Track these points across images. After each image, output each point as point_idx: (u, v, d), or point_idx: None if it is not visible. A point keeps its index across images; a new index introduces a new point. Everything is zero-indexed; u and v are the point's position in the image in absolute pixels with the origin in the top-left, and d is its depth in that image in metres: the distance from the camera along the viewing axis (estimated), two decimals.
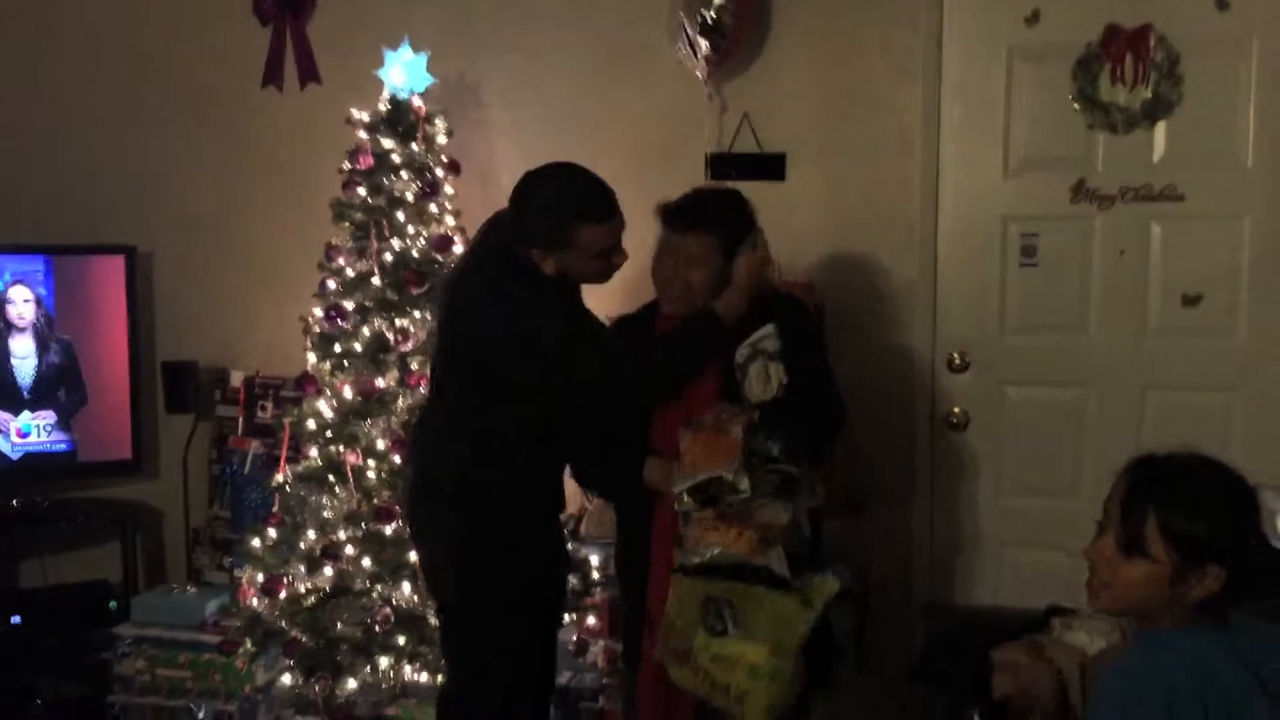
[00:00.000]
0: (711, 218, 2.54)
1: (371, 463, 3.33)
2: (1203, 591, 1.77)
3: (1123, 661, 1.81)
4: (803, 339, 2.53)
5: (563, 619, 2.99)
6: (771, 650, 2.33)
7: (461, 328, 2.65)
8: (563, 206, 2.51)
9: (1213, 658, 1.76)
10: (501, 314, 2.55)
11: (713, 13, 3.54)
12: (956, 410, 3.67)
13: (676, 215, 2.51)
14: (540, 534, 2.74)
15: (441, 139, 3.57)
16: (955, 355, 3.65)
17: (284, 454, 3.53)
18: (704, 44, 3.55)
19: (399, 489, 3.31)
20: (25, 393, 3.96)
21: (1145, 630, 1.86)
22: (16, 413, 3.95)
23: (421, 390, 3.35)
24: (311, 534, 3.37)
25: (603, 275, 2.59)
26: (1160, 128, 3.45)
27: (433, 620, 3.26)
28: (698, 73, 3.62)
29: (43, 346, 3.98)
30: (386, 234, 3.43)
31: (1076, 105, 3.48)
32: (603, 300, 2.82)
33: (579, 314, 2.57)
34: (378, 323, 3.40)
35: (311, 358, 3.45)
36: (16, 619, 3.88)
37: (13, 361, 3.94)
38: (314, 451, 3.40)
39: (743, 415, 2.40)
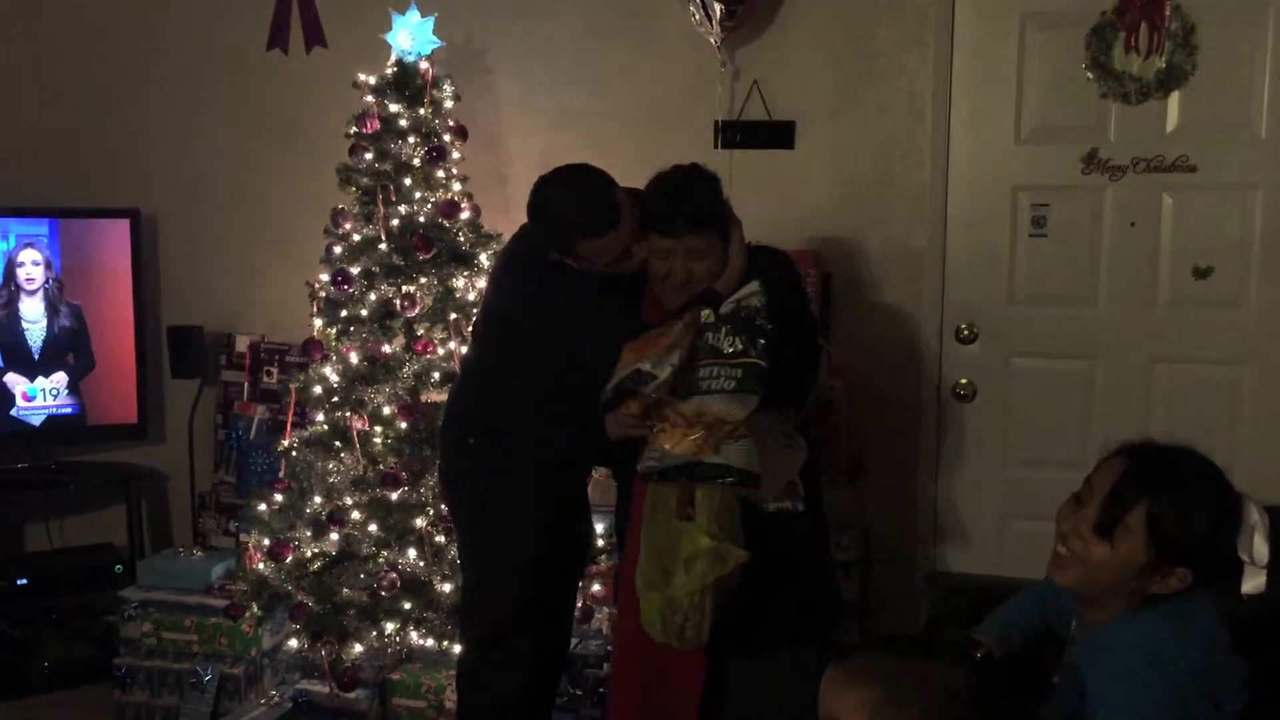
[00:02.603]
0: (706, 213, 2.51)
1: (378, 428, 3.35)
2: (1164, 589, 1.77)
3: (1134, 662, 1.76)
4: (784, 285, 2.54)
5: (579, 581, 3.03)
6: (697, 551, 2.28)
7: (488, 289, 2.80)
8: (563, 222, 2.53)
9: (1174, 640, 1.76)
10: (514, 285, 2.64)
11: None
12: (964, 381, 3.68)
13: (673, 222, 2.47)
14: (560, 492, 2.79)
15: (448, 103, 3.56)
16: (963, 326, 3.66)
17: (290, 419, 3.56)
18: (719, 8, 3.53)
19: (405, 454, 3.34)
20: (36, 355, 3.98)
21: (1096, 619, 1.84)
22: (32, 377, 3.98)
23: (428, 356, 3.39)
24: (318, 499, 3.40)
25: (625, 272, 2.59)
26: (1174, 98, 3.44)
27: (438, 585, 3.31)
28: (710, 38, 3.61)
29: (52, 310, 4.00)
30: (393, 199, 3.43)
31: (1089, 74, 3.47)
32: None
33: (585, 298, 2.58)
34: (384, 288, 3.41)
35: (317, 323, 3.46)
36: (23, 581, 3.92)
37: (23, 325, 3.97)
38: (320, 417, 3.42)
39: (688, 314, 2.39)
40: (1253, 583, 1.76)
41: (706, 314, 2.40)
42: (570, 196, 2.52)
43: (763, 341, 2.35)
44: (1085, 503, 1.83)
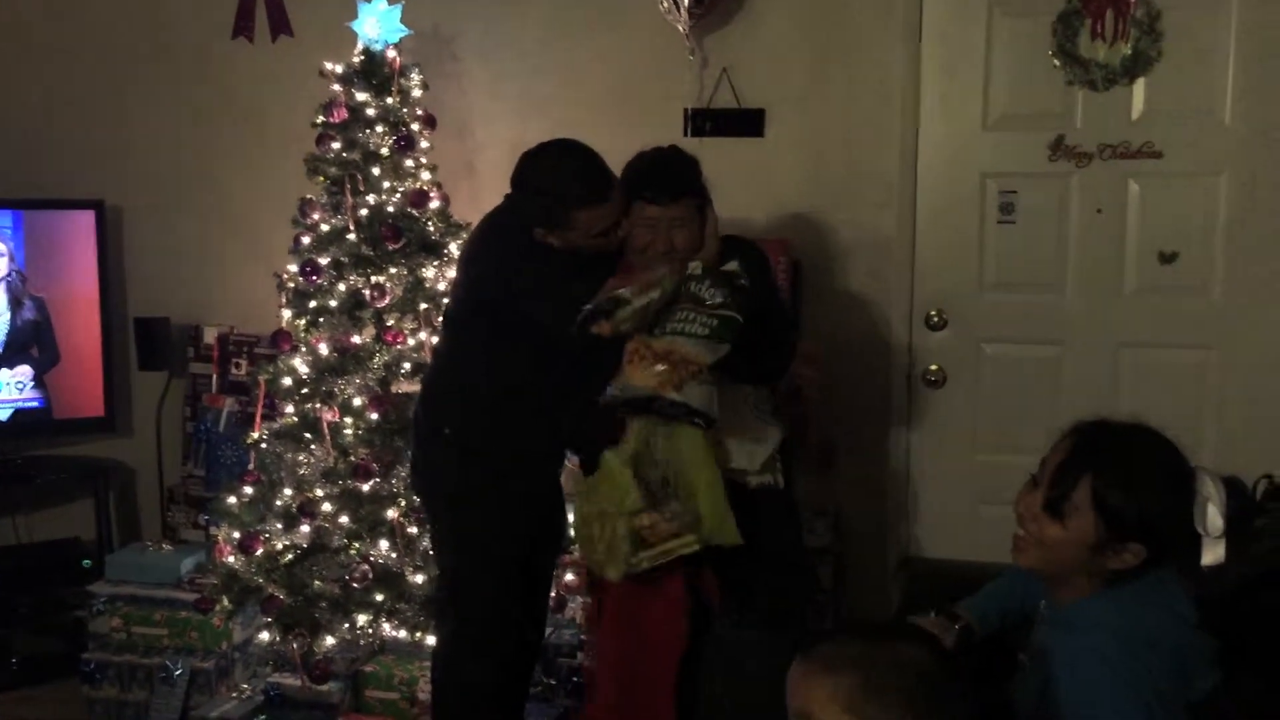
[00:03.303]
0: (691, 184, 2.57)
1: (348, 420, 3.34)
2: (1119, 564, 1.78)
3: (1070, 653, 1.78)
4: (757, 275, 2.59)
5: (553, 570, 3.03)
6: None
7: (458, 270, 2.79)
8: (558, 191, 2.54)
9: (1141, 618, 1.77)
10: (491, 269, 2.63)
11: None
12: (934, 367, 3.70)
13: (661, 189, 2.53)
14: (534, 481, 2.79)
15: (417, 92, 3.55)
16: (933, 313, 3.67)
17: (259, 411, 3.54)
18: None
19: (375, 446, 3.33)
20: (0, 349, 3.94)
21: (1062, 599, 1.85)
22: None
23: (398, 347, 3.38)
24: (288, 491, 3.38)
25: (605, 249, 2.61)
26: (1139, 84, 3.46)
27: (410, 577, 3.30)
28: (679, 25, 3.60)
29: (16, 303, 3.95)
30: (361, 189, 3.42)
31: (1056, 61, 3.49)
32: None
33: (563, 278, 2.58)
34: (353, 279, 3.40)
35: (286, 314, 3.44)
36: None
37: None
38: (290, 408, 3.40)
39: (677, 265, 2.45)
40: (1211, 554, 1.77)
41: (695, 265, 2.46)
42: (565, 166, 2.55)
43: (741, 300, 2.40)
44: (1040, 485, 1.85)
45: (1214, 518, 1.76)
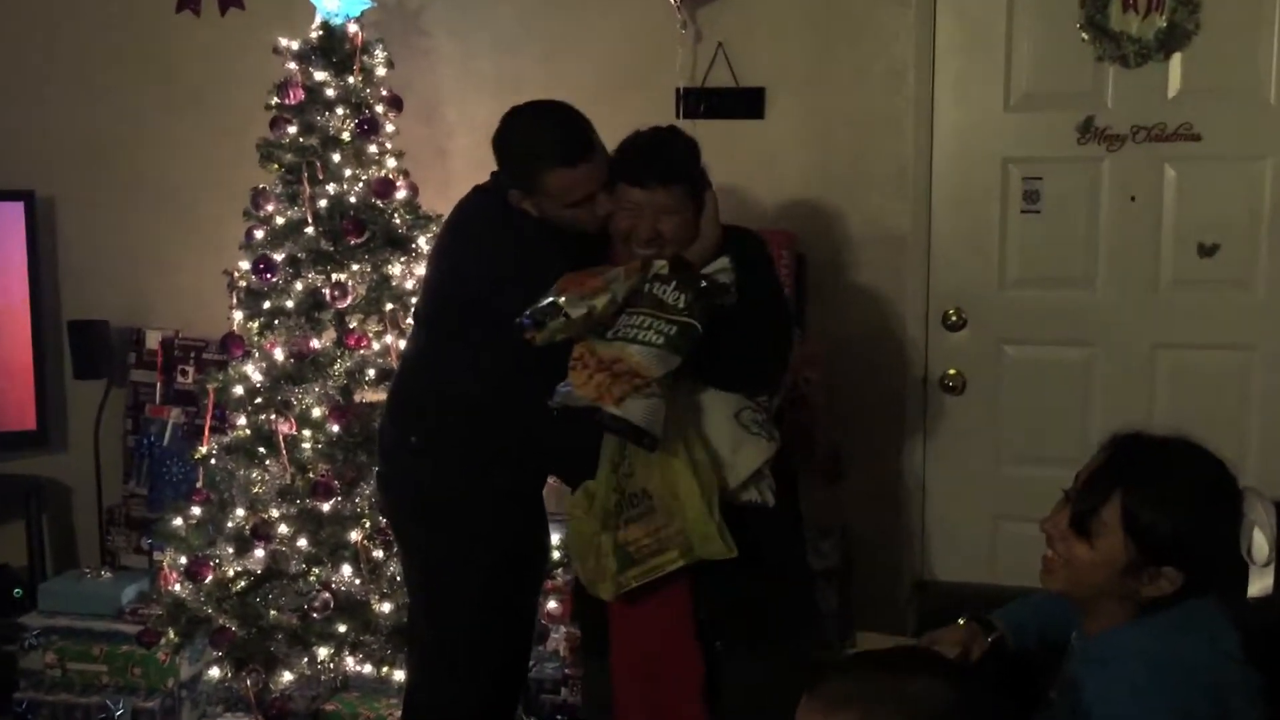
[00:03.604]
0: (681, 169, 2.58)
1: (306, 433, 3.35)
2: (1154, 591, 1.78)
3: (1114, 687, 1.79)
4: (756, 267, 2.61)
5: (537, 596, 3.04)
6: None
7: (432, 259, 2.79)
8: (528, 148, 2.57)
9: (1177, 649, 1.77)
10: (470, 249, 2.65)
11: None
12: (952, 371, 3.72)
13: (646, 172, 2.54)
14: (514, 494, 2.79)
15: (381, 70, 3.56)
16: (951, 311, 3.70)
17: (208, 423, 3.55)
18: None
19: (337, 461, 3.35)
20: None
21: (1094, 628, 1.86)
22: None
23: (362, 352, 3.40)
24: (240, 512, 3.39)
25: (585, 224, 2.62)
26: (1175, 60, 3.48)
27: (376, 606, 3.32)
28: None
29: None
30: (320, 177, 3.43)
31: (1084, 35, 3.51)
32: None
33: (542, 258, 2.59)
34: (312, 276, 3.41)
35: (238, 316, 3.46)
36: None
37: None
38: (241, 420, 3.41)
39: (634, 264, 2.47)
40: (1258, 584, 1.78)
41: (661, 265, 2.47)
42: (544, 123, 2.59)
43: (704, 306, 2.41)
44: (1070, 501, 1.87)
45: (1261, 544, 1.76)
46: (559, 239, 2.61)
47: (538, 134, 2.58)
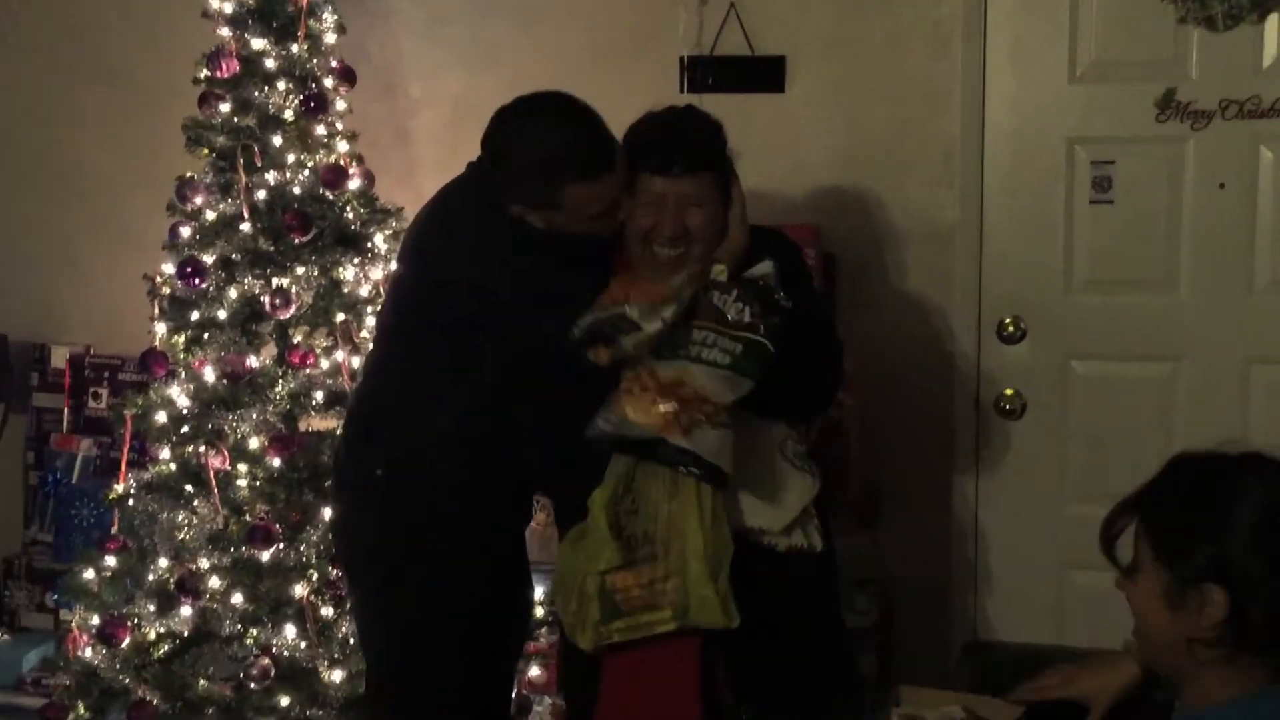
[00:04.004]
0: (709, 153, 2.59)
1: (242, 467, 3.33)
2: (1207, 621, 1.75)
3: None
4: (794, 278, 2.62)
5: (516, 661, 3.02)
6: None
7: (401, 267, 2.77)
8: (538, 160, 2.54)
9: None
10: (455, 260, 2.62)
11: None
12: (1009, 392, 3.71)
13: (670, 157, 2.53)
14: (494, 541, 2.77)
15: (330, 37, 3.54)
16: (1007, 321, 3.69)
17: (125, 457, 3.53)
18: None
19: (279, 501, 3.31)
20: None
21: (1189, 701, 1.85)
22: None
23: (307, 371, 3.37)
24: (163, 562, 3.36)
25: (603, 230, 2.62)
26: (1272, 22, 3.47)
27: (325, 674, 3.27)
28: None
29: None
30: (258, 164, 3.41)
31: None
32: None
33: (555, 271, 2.59)
34: (248, 282, 3.39)
35: (160, 329, 3.43)
36: None
37: None
38: (165, 453, 3.38)
39: (697, 269, 2.48)
40: None
41: (719, 269, 2.48)
42: (559, 129, 2.56)
43: (776, 321, 2.42)
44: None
45: None
46: (565, 244, 2.59)
47: (548, 142, 2.55)
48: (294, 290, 3.37)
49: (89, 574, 3.41)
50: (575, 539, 2.56)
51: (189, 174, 3.46)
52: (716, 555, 2.42)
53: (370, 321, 3.42)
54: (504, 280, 2.58)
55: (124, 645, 3.34)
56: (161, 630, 3.36)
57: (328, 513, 3.22)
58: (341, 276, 3.44)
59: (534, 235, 2.59)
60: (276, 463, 3.31)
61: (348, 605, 3.20)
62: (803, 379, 2.52)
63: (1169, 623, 1.79)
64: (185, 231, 3.43)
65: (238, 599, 3.31)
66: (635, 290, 2.42)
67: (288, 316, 3.37)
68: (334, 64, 3.55)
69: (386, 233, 3.48)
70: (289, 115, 3.44)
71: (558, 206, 2.55)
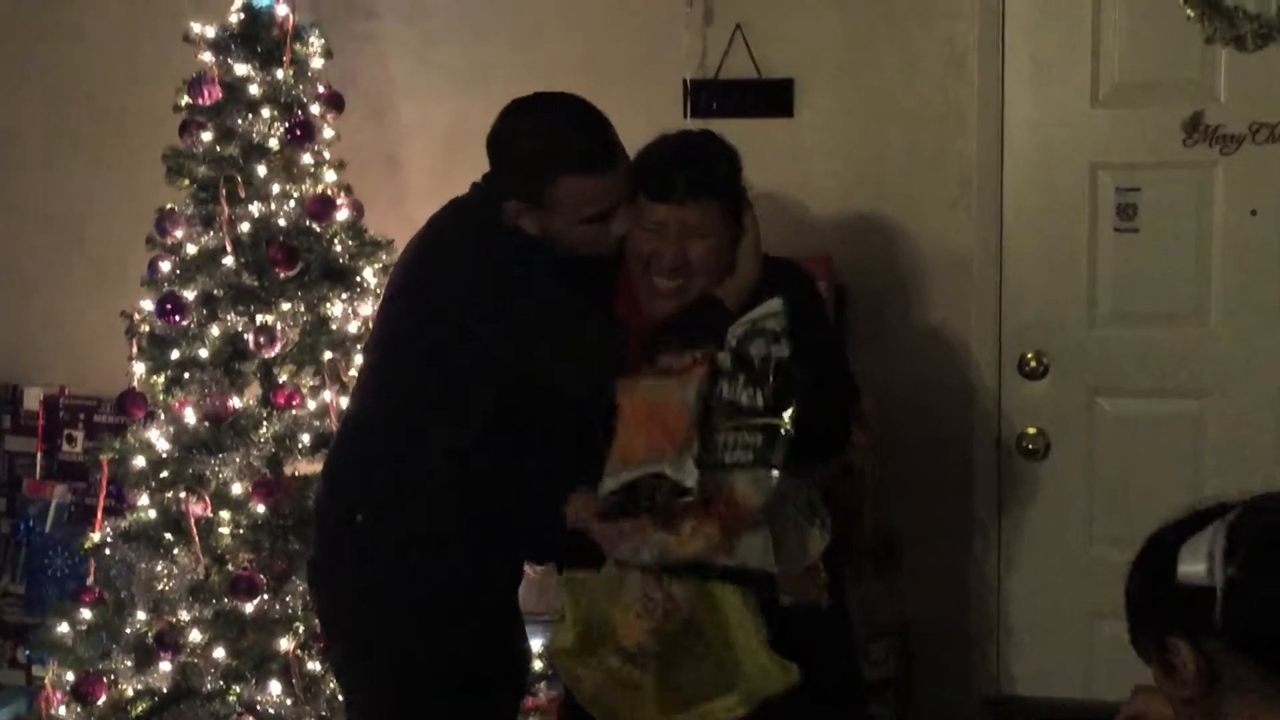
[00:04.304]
0: (717, 181, 2.59)
1: (225, 515, 3.32)
2: (1187, 678, 1.67)
3: None
4: (808, 314, 2.60)
5: (516, 716, 2.99)
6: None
7: (392, 294, 2.75)
8: (537, 149, 2.55)
9: None
10: (448, 274, 2.61)
11: None
12: (1031, 431, 3.70)
13: (673, 183, 2.54)
14: (483, 591, 2.75)
15: (317, 62, 3.56)
16: (1029, 355, 3.68)
17: (101, 503, 3.52)
18: None
19: (263, 550, 3.31)
20: None
21: None
22: None
23: (294, 412, 3.37)
24: (141, 615, 3.36)
25: (598, 245, 2.61)
26: None
27: None
28: None
29: None
30: (242, 195, 3.42)
31: (1190, 11, 3.50)
32: None
33: (558, 285, 2.58)
34: (231, 319, 3.40)
35: (139, 368, 3.44)
36: None
37: None
38: (143, 500, 3.38)
39: (698, 364, 2.44)
40: None
41: (722, 358, 2.44)
42: (558, 119, 2.58)
43: (792, 399, 2.37)
44: None
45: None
46: (561, 267, 2.59)
47: (551, 132, 2.56)
48: (279, 327, 3.38)
49: (63, 628, 3.41)
50: (595, 594, 2.55)
51: (169, 206, 3.47)
52: (758, 627, 2.43)
53: (360, 360, 3.39)
54: (506, 315, 2.56)
55: (100, 703, 3.33)
56: (140, 687, 3.35)
57: None
58: (329, 313, 3.44)
59: (538, 264, 2.58)
60: (261, 509, 3.31)
61: (325, 652, 3.19)
62: (815, 424, 2.47)
63: (1172, 695, 1.74)
64: (165, 266, 3.45)
65: (220, 653, 3.30)
66: (651, 431, 2.40)
67: (273, 355, 3.37)
68: (321, 89, 3.57)
69: (376, 266, 3.49)
70: (274, 144, 3.46)
71: (549, 203, 2.54)
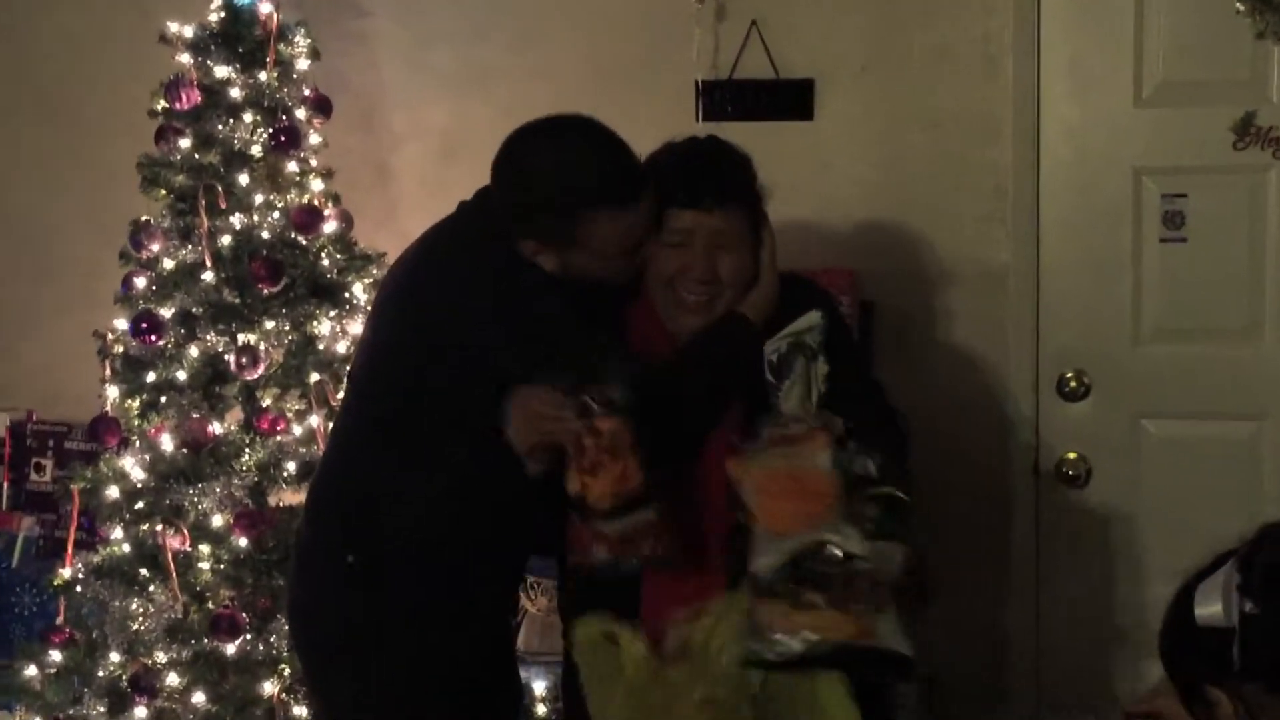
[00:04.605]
0: (741, 186, 2.59)
1: (204, 549, 3.31)
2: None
3: None
4: (833, 335, 2.59)
5: None
6: None
7: (382, 315, 2.72)
8: (571, 188, 2.51)
9: None
10: (450, 303, 2.57)
11: None
12: (1072, 456, 3.69)
13: (699, 189, 2.53)
14: (480, 635, 2.74)
15: (303, 63, 3.56)
16: (1069, 375, 3.67)
17: (72, 537, 3.51)
18: None
19: (246, 587, 3.30)
20: None
21: None
22: None
23: (278, 439, 3.37)
24: (115, 656, 3.34)
25: (620, 274, 2.60)
26: None
27: None
28: None
29: None
30: (222, 206, 3.41)
31: (1240, 5, 3.48)
32: None
33: (566, 306, 2.55)
34: (211, 338, 3.39)
35: (112, 392, 3.42)
36: None
37: None
38: (117, 533, 3.36)
39: (819, 431, 2.41)
40: None
41: (839, 426, 2.41)
42: (586, 151, 2.54)
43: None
44: None
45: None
46: (582, 296, 2.56)
47: (578, 166, 2.53)
48: (262, 348, 3.36)
49: (31, 670, 3.40)
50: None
51: (144, 218, 3.46)
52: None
53: None
54: (512, 344, 2.54)
55: None
56: None
57: None
58: (316, 332, 3.43)
59: (549, 288, 2.55)
60: (243, 543, 3.30)
61: (309, 697, 3.19)
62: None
63: None
64: (140, 282, 3.44)
65: (199, 698, 3.29)
66: (788, 496, 2.37)
67: (255, 377, 3.36)
68: (307, 92, 3.56)
69: (366, 282, 3.48)
70: (256, 151, 3.46)
71: (579, 241, 2.52)
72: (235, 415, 3.40)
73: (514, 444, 2.49)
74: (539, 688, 3.41)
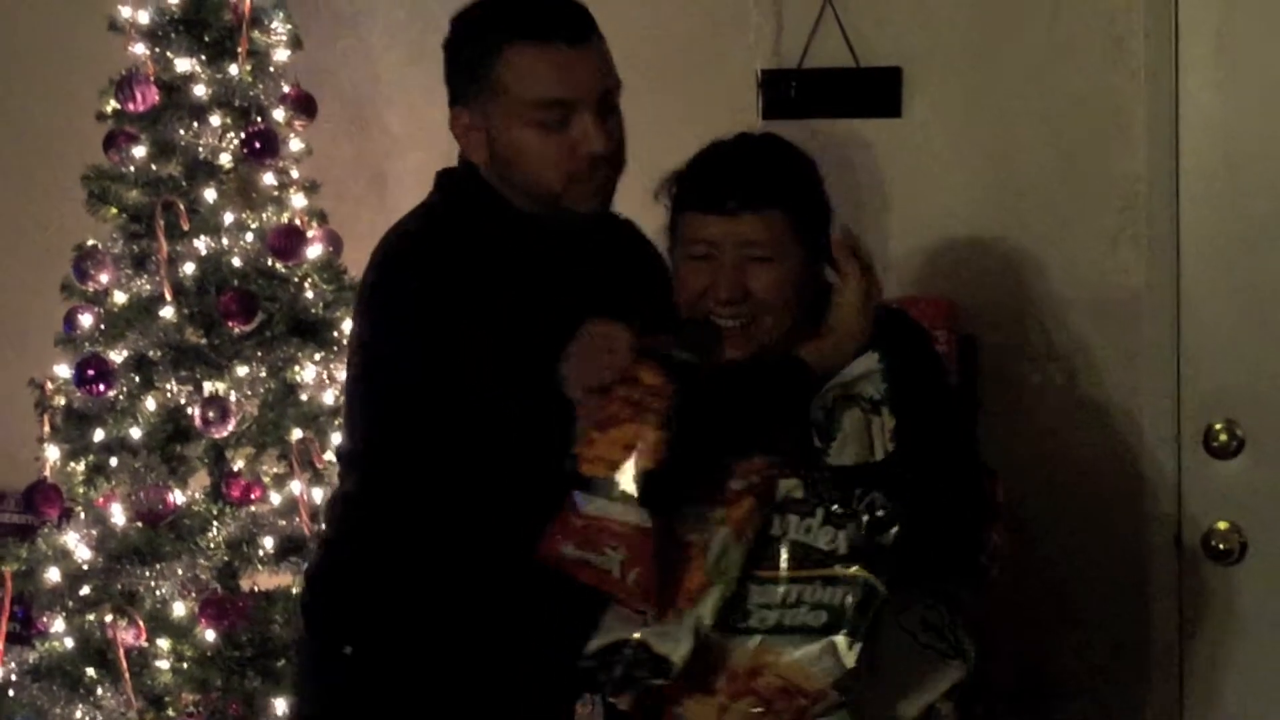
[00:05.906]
0: (781, 187, 2.55)
1: (163, 643, 3.34)
2: None
3: None
4: (919, 380, 2.58)
5: None
6: None
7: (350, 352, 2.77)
8: (481, 22, 2.61)
9: None
10: (378, 306, 2.61)
11: None
12: (1223, 525, 3.68)
13: (722, 193, 2.51)
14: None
15: (281, 54, 3.61)
16: (1218, 426, 3.67)
17: (3, 630, 3.52)
18: None
19: (212, 689, 3.32)
20: None
21: None
22: None
23: (253, 509, 3.40)
24: None
25: (559, 165, 2.59)
26: None
27: None
28: None
29: None
30: (185, 227, 3.45)
31: None
32: None
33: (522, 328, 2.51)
34: (171, 388, 3.43)
35: (52, 453, 3.47)
36: None
37: None
38: (59, 624, 3.40)
39: (745, 496, 2.39)
40: None
41: (791, 485, 2.41)
42: None
43: (894, 531, 2.35)
44: None
45: None
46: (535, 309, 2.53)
47: (500, 1, 2.63)
48: (233, 398, 3.40)
49: None
50: None
51: (91, 242, 3.50)
52: None
53: (337, 439, 3.38)
54: (444, 346, 2.51)
55: None
56: None
57: (281, 705, 3.22)
58: (298, 378, 3.48)
59: (501, 295, 2.52)
60: (210, 636, 3.32)
61: None
62: (927, 529, 2.44)
63: None
64: (86, 320, 3.48)
65: None
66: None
67: (225, 434, 3.39)
68: (286, 90, 3.60)
69: None
70: (226, 160, 3.50)
71: (497, 88, 2.56)
72: (200, 481, 3.44)
73: (567, 386, 2.42)
74: None
